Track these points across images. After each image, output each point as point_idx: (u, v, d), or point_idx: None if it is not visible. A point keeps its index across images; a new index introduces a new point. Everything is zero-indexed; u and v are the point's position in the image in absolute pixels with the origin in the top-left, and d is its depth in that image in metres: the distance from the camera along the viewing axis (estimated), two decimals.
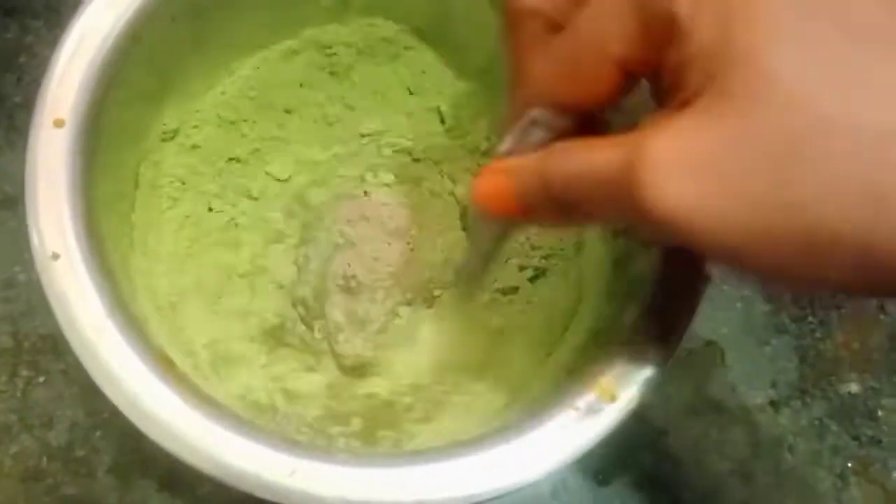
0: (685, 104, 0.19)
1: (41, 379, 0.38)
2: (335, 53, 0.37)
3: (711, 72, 0.18)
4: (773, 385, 0.40)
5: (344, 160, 0.38)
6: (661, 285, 0.27)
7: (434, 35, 0.36)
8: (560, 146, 0.21)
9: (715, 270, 0.27)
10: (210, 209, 0.36)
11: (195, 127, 0.35)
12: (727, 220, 0.18)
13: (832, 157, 0.17)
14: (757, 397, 0.39)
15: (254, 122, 0.37)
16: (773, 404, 0.39)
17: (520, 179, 0.23)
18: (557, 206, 0.22)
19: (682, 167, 0.18)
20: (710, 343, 0.39)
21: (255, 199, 0.37)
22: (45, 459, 0.37)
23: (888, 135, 0.16)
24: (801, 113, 0.17)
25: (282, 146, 0.37)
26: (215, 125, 0.36)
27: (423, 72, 0.37)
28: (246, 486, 0.24)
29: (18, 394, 0.38)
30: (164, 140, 0.34)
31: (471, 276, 0.33)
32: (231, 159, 0.36)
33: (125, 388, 0.25)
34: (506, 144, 0.24)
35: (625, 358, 0.26)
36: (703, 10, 0.18)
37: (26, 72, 0.43)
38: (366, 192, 0.37)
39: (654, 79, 0.21)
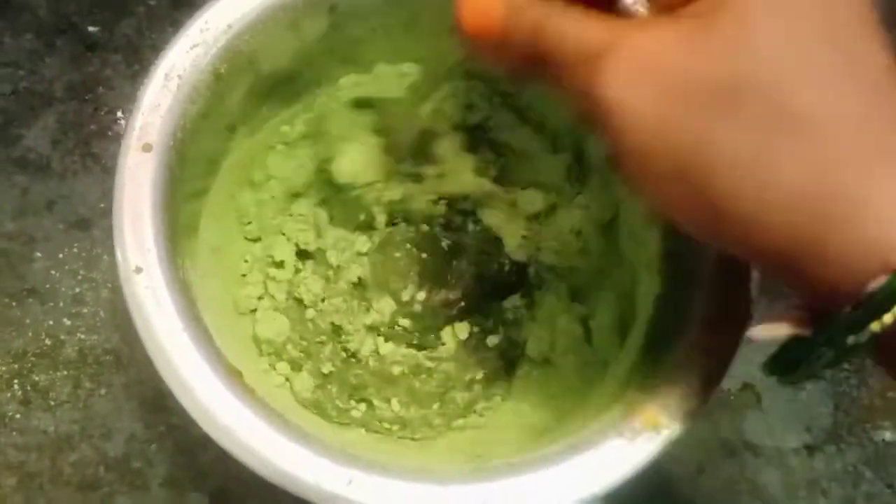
0: (673, 10, 0.21)
1: (103, 391, 0.40)
2: None
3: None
4: (808, 430, 0.40)
5: None
6: (705, 322, 0.28)
7: None
8: (561, 7, 0.23)
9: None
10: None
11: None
12: (652, 123, 0.20)
13: (745, 111, 0.19)
14: (792, 441, 0.40)
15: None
16: (808, 449, 0.40)
17: (515, 15, 0.23)
18: (529, 54, 0.23)
19: (642, 69, 0.20)
20: (746, 386, 0.40)
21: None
22: (102, 469, 0.38)
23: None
24: (753, 60, 0.19)
25: None
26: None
27: None
28: (305, 493, 0.26)
29: (80, 405, 0.39)
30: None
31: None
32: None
33: (197, 395, 0.27)
34: None
35: (670, 388, 0.27)
36: None
37: (104, 102, 0.46)
38: None
39: None
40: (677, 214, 0.21)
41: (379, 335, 0.38)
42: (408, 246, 0.39)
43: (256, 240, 0.39)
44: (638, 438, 0.27)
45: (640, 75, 0.20)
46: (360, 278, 0.38)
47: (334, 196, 0.39)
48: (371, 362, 0.37)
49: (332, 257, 0.38)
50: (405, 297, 0.38)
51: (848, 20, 0.19)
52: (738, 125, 0.19)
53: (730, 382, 0.41)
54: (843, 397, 0.41)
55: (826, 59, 0.19)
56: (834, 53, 0.19)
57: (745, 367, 0.39)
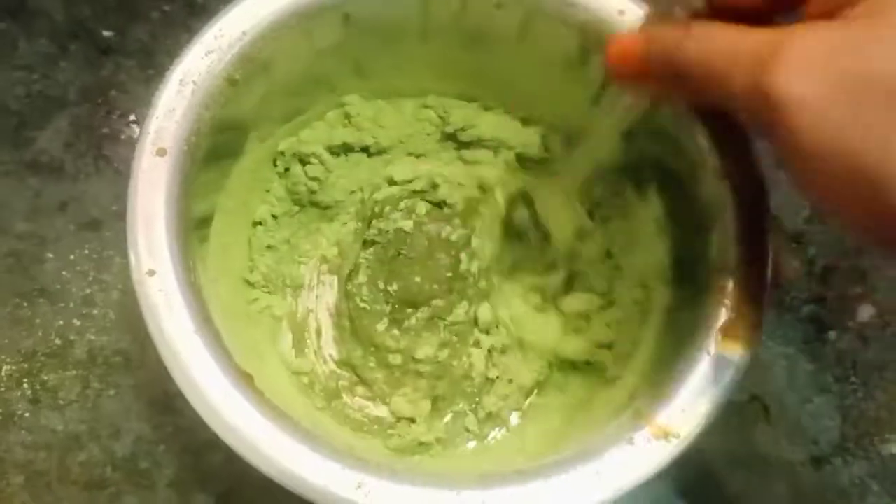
0: (834, 15, 0.21)
1: (111, 392, 0.40)
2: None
3: None
4: (815, 442, 0.40)
5: None
6: (716, 332, 0.28)
7: None
8: (702, 23, 0.23)
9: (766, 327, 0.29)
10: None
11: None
12: (827, 120, 0.19)
13: None
14: (799, 453, 0.40)
15: None
16: (815, 461, 0.40)
17: (655, 44, 0.25)
18: (675, 74, 0.24)
19: (816, 66, 0.20)
20: (754, 397, 0.40)
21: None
22: (109, 469, 0.39)
23: None
24: None
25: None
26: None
27: None
28: (313, 496, 0.26)
29: (89, 405, 0.40)
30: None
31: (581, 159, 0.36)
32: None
33: (207, 396, 0.27)
34: (646, 13, 0.27)
35: (680, 398, 0.27)
36: None
37: (116, 106, 0.46)
38: None
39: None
40: (847, 216, 0.21)
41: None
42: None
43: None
44: (647, 447, 0.27)
45: (814, 72, 0.20)
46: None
47: None
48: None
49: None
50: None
51: None
52: None
53: (738, 394, 0.40)
54: (851, 410, 0.41)
55: None
56: None
57: (754, 380, 0.39)
